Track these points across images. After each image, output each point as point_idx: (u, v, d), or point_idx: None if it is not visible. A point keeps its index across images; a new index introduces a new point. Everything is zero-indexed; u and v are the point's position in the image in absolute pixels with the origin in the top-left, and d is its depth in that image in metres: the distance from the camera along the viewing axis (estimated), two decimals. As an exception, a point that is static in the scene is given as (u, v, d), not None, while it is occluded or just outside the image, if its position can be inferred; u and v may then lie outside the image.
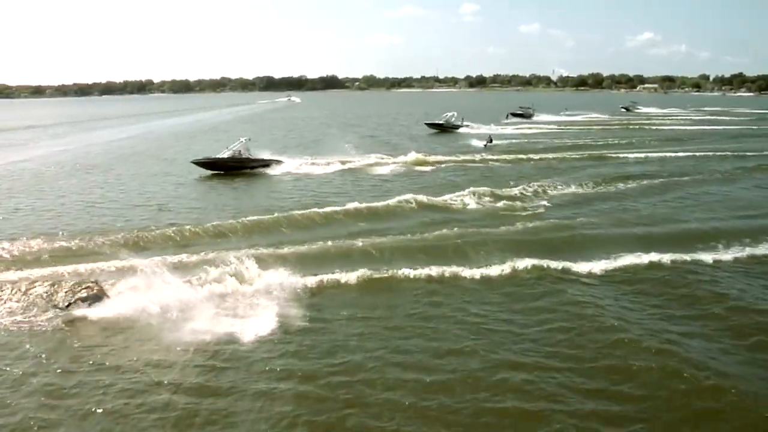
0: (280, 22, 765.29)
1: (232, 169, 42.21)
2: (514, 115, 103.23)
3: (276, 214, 27.56)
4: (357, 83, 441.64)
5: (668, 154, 51.26)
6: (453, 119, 78.81)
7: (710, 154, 52.40)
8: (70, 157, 51.32)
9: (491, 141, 57.75)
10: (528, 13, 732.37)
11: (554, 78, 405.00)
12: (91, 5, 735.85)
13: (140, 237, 24.17)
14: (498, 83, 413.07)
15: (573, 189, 35.13)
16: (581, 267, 20.74)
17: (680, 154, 52.44)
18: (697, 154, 52.43)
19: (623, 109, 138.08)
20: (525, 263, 20.86)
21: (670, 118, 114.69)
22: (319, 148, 55.07)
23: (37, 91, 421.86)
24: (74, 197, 34.14)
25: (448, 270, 20.40)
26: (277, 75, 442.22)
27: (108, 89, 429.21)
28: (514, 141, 62.02)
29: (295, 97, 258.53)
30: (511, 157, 49.31)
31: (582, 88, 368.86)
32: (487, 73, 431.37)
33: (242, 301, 17.70)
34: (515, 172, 41.46)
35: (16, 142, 65.84)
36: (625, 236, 24.48)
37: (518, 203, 30.99)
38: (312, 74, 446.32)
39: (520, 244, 23.21)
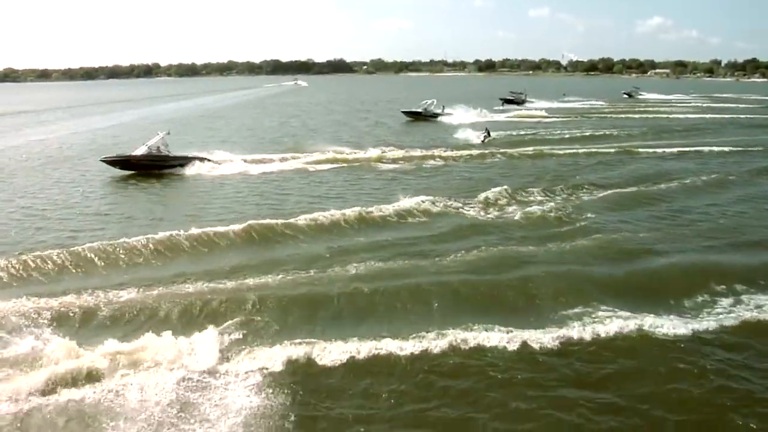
0: (287, 5, 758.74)
1: (147, 168, 36.89)
2: (505, 101, 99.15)
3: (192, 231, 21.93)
4: (365, 67, 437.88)
5: (688, 149, 46.78)
6: (432, 107, 74.08)
7: (736, 149, 46.95)
8: (41, 148, 48.82)
9: (489, 135, 52.54)
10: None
11: (564, 63, 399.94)
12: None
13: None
14: (507, 68, 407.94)
15: (599, 192, 30.51)
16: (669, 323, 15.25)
17: (706, 148, 47.25)
18: (721, 148, 46.96)
19: (625, 95, 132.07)
20: (604, 316, 15.54)
21: (675, 104, 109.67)
22: (285, 140, 51.55)
23: (44, 75, 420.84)
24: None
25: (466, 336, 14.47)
26: (285, 58, 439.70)
27: (114, 73, 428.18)
28: (502, 132, 57.34)
29: (302, 81, 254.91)
30: (502, 151, 45.28)
31: (592, 73, 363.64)
32: (496, 58, 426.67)
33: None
34: (511, 170, 38.32)
35: (-5, 130, 63.28)
36: (704, 265, 19.46)
37: (550, 213, 26.12)
38: (319, 58, 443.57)
39: (584, 280, 18.01)
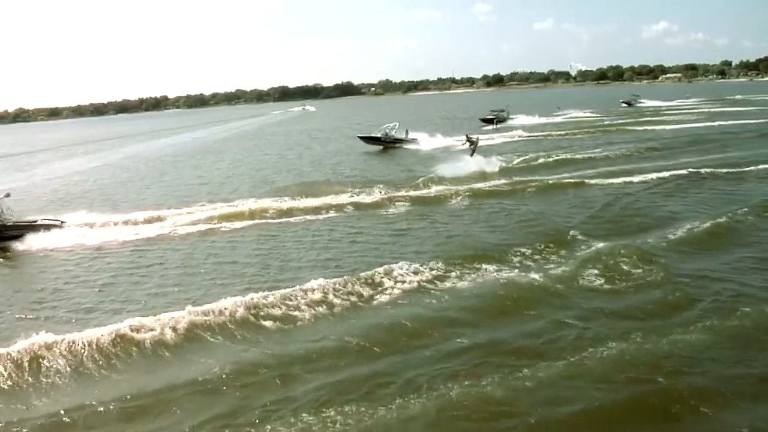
0: (292, 32, 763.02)
1: None
2: (485, 120, 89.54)
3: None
4: (373, 89, 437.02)
5: (676, 171, 36.93)
6: (394, 131, 63.06)
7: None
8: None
9: (474, 143, 45.03)
10: (541, 9, 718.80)
11: (573, 73, 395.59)
12: (105, 25, 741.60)
13: None
14: (516, 81, 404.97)
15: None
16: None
17: (703, 169, 37.13)
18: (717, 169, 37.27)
19: (624, 105, 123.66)
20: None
21: (677, 112, 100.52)
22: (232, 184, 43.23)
23: (54, 113, 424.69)
24: None
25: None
26: (292, 84, 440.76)
27: (124, 107, 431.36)
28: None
29: (310, 106, 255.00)
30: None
31: (602, 81, 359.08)
32: (504, 72, 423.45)
33: None
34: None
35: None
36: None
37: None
38: (327, 82, 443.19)
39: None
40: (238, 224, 28.82)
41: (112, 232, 28.36)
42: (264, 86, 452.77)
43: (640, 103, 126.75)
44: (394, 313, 16.63)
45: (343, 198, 33.50)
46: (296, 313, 16.76)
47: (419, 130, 67.93)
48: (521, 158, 46.17)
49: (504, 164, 43.08)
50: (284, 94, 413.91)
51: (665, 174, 36.23)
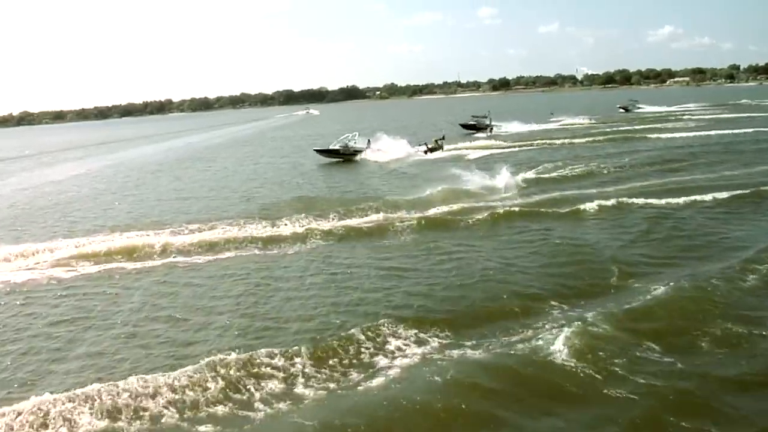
0: (297, 36, 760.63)
1: None
2: (465, 126, 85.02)
3: None
4: (378, 92, 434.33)
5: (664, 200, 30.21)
6: (354, 142, 58.60)
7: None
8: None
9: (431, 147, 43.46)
10: (546, 13, 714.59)
11: (579, 77, 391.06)
12: (110, 29, 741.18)
13: None
14: (522, 85, 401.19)
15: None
16: None
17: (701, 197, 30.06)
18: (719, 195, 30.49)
19: (621, 110, 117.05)
20: None
21: (677, 118, 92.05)
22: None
23: (58, 117, 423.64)
24: None
25: None
26: (297, 88, 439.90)
27: (128, 111, 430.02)
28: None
29: (314, 110, 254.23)
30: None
31: (610, 85, 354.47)
32: (509, 76, 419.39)
33: None
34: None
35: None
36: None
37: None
38: (332, 86, 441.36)
39: None
40: (180, 261, 23.92)
41: (42, 266, 24.00)
42: (269, 90, 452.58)
43: (639, 108, 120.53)
44: (388, 405, 12.06)
45: (329, 220, 29.08)
46: (246, 413, 12.18)
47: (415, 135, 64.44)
48: (524, 171, 41.15)
49: (517, 179, 38.09)
50: (289, 98, 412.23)
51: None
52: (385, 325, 15.77)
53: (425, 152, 39.22)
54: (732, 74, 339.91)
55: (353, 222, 28.65)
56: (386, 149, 58.13)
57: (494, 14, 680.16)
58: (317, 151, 58.64)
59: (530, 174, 39.86)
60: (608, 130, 76.90)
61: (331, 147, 58.60)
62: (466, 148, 60.65)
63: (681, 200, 29.37)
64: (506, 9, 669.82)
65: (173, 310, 18.44)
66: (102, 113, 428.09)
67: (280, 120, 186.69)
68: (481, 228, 26.73)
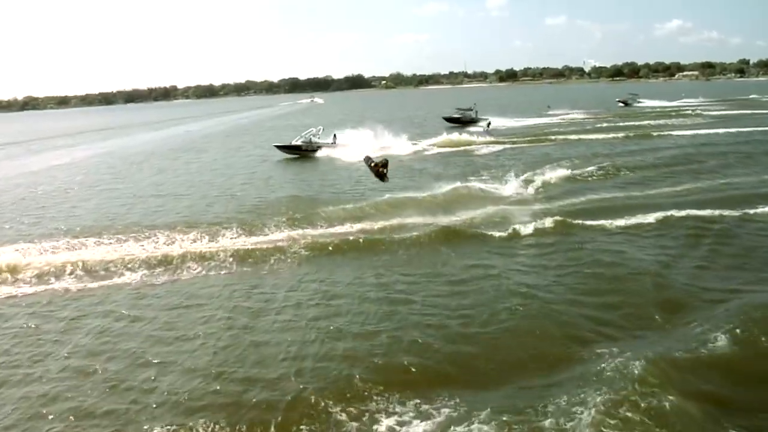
0: (304, 24, 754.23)
1: None
2: (450, 120, 79.82)
3: None
4: (383, 82, 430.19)
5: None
6: (318, 137, 54.64)
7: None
8: None
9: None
10: (554, 5, 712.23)
11: (587, 69, 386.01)
12: (115, 14, 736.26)
13: None
14: (529, 76, 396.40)
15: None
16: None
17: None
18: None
19: (620, 104, 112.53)
20: None
21: (677, 114, 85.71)
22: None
23: (63, 102, 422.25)
24: None
25: None
26: (303, 76, 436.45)
27: (132, 97, 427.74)
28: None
29: (318, 98, 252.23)
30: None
31: (618, 78, 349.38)
32: (516, 67, 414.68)
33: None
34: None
35: None
36: None
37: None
38: (338, 74, 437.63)
39: None
40: (133, 281, 20.08)
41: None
42: (274, 78, 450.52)
43: (639, 102, 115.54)
44: None
45: (310, 228, 25.15)
46: None
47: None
48: (533, 172, 36.58)
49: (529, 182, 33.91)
50: (294, 86, 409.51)
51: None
52: (374, 393, 12.01)
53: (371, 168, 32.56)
54: (742, 69, 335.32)
55: (336, 231, 24.83)
56: (354, 145, 52.60)
57: (502, 5, 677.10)
58: (278, 147, 54.12)
59: (546, 176, 35.38)
60: (606, 125, 72.01)
61: (293, 142, 54.13)
62: (455, 146, 56.18)
63: (727, 212, 25.07)
64: (514, 0, 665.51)
65: (108, 361, 14.51)
66: (106, 99, 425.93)
67: (284, 108, 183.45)
68: (497, 244, 22.51)
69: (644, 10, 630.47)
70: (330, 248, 22.47)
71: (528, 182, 33.83)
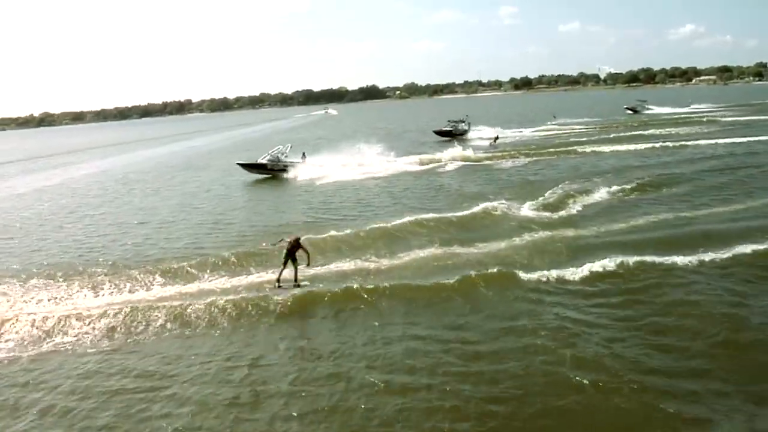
0: (317, 36, 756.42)
1: None
2: (440, 133, 73.90)
3: None
4: (398, 92, 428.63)
5: None
6: (284, 156, 48.75)
7: None
8: None
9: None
10: (566, 12, 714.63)
11: (602, 75, 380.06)
12: (131, 30, 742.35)
13: None
14: (544, 84, 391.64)
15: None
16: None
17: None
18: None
19: (629, 112, 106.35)
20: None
21: (688, 122, 77.50)
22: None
23: (78, 117, 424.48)
24: None
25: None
26: (317, 88, 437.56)
27: (147, 111, 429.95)
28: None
29: (332, 110, 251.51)
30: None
31: (634, 84, 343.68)
32: (531, 74, 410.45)
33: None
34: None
35: None
36: None
37: None
38: (352, 85, 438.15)
39: None
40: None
41: None
42: (288, 90, 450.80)
43: (648, 109, 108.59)
44: None
45: (262, 273, 19.54)
46: None
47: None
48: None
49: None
50: (308, 98, 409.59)
51: None
52: None
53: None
54: (761, 72, 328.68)
55: (324, 272, 20.43)
56: (329, 164, 48.11)
57: (514, 13, 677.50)
58: (241, 165, 48.96)
59: (579, 195, 30.84)
60: (629, 134, 66.01)
61: (258, 160, 48.62)
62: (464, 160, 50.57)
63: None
64: (526, 7, 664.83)
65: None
66: (122, 113, 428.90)
67: (297, 120, 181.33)
68: (534, 288, 17.74)
69: (657, 15, 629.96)
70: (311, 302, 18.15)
71: (558, 203, 29.35)
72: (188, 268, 21.36)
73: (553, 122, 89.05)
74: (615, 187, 32.43)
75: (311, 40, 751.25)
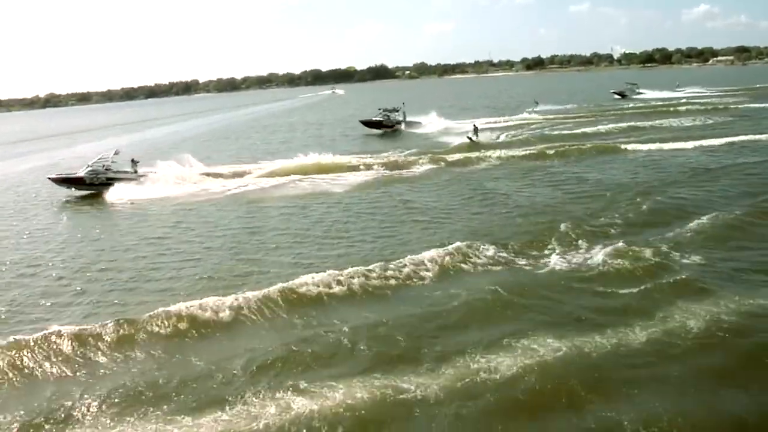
0: (326, 15, 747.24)
1: None
2: (368, 124, 64.18)
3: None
4: (407, 72, 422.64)
5: None
6: (110, 164, 37.74)
7: None
8: None
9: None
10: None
11: (615, 56, 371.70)
12: (137, 9, 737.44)
13: None
14: (557, 64, 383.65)
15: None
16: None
17: None
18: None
19: (617, 96, 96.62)
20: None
21: (680, 109, 68.34)
22: None
23: (84, 98, 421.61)
24: None
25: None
26: (325, 68, 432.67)
27: (153, 92, 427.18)
28: None
29: (339, 90, 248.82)
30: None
31: (649, 65, 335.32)
32: (543, 55, 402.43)
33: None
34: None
35: None
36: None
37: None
38: (361, 65, 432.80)
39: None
40: None
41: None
42: (296, 70, 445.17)
43: (639, 94, 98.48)
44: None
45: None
46: None
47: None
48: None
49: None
50: (317, 78, 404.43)
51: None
52: None
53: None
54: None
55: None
56: (169, 175, 38.51)
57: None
58: (53, 179, 37.84)
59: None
60: (591, 128, 55.83)
61: (78, 174, 37.79)
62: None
63: None
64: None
65: None
66: (128, 94, 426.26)
67: (302, 100, 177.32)
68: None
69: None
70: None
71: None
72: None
73: (535, 109, 76.91)
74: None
75: (319, 20, 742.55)
